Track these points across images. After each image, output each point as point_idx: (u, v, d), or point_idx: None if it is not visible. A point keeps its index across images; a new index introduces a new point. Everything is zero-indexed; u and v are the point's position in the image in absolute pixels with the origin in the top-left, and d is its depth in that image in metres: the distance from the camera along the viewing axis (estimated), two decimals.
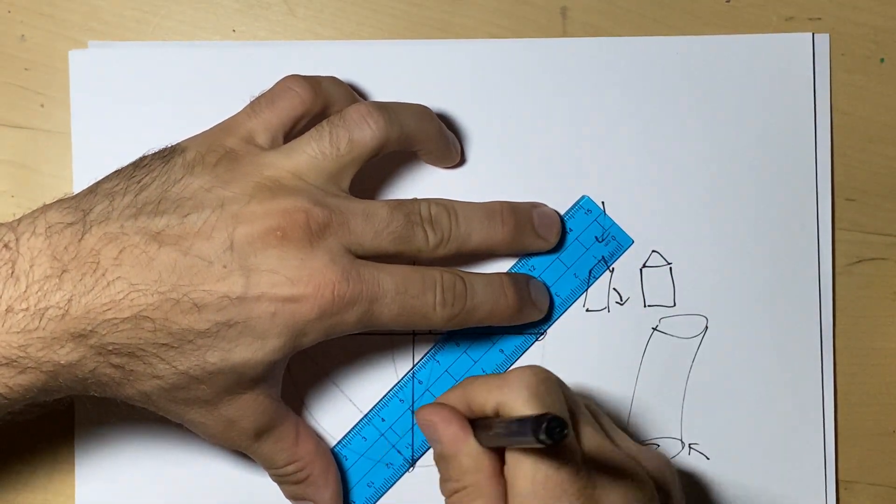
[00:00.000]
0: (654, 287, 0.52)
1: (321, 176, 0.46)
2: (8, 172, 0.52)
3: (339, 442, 0.51)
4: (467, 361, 0.51)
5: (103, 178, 0.45)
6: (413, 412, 0.51)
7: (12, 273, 0.41)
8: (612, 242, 0.51)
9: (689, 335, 0.51)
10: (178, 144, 0.46)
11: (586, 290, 0.51)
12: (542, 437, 0.37)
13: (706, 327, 0.52)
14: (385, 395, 0.51)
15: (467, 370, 0.51)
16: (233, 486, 0.51)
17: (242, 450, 0.47)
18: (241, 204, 0.43)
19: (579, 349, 0.51)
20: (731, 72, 0.52)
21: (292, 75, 0.48)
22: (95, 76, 0.51)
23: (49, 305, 0.41)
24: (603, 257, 0.51)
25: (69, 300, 0.41)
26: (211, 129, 0.47)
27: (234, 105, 0.47)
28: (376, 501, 0.51)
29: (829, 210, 0.52)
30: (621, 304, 0.51)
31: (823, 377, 0.52)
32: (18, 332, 0.41)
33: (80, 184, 0.51)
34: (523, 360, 0.51)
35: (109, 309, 0.41)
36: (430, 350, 0.51)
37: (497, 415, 0.43)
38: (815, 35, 0.52)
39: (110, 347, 0.42)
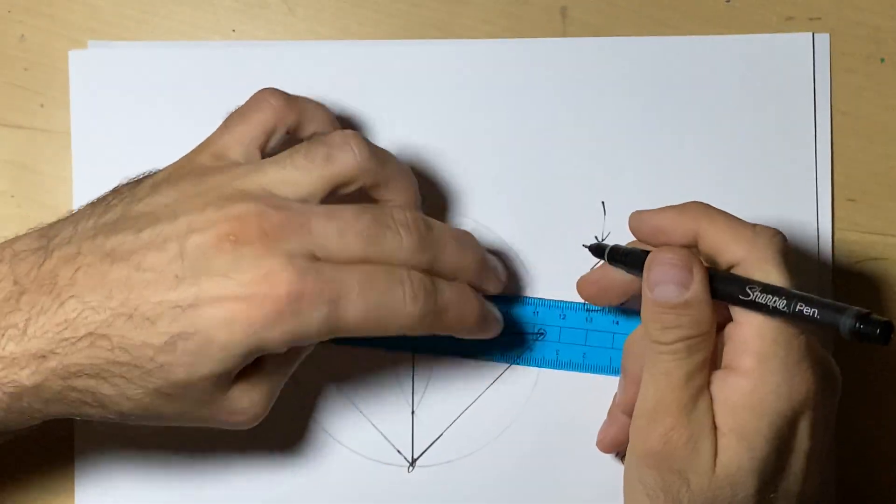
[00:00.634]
0: None
1: (291, 189, 0.44)
2: (8, 172, 0.52)
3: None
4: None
5: (80, 207, 0.45)
6: (413, 412, 0.51)
7: None
8: None
9: None
10: (154, 170, 0.45)
11: None
12: (868, 339, 0.37)
13: None
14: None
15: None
16: (232, 492, 0.51)
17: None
18: (196, 213, 0.42)
19: (580, 349, 0.51)
20: (731, 72, 0.52)
21: (266, 88, 0.46)
22: (95, 76, 0.51)
23: (9, 325, 0.41)
24: None
25: (27, 320, 0.41)
26: (188, 152, 0.46)
27: (233, 105, 0.47)
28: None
29: (829, 210, 0.52)
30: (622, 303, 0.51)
31: None
32: None
33: (79, 183, 0.51)
34: (522, 360, 0.51)
35: (65, 329, 0.41)
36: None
37: (730, 267, 0.43)
38: (815, 35, 0.52)
39: (73, 369, 0.41)
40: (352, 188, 0.45)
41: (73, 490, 0.52)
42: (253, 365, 0.43)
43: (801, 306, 0.40)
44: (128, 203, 0.44)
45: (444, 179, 0.52)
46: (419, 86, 0.52)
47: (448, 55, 0.52)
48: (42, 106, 0.53)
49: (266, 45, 0.52)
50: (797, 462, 0.43)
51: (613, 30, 0.53)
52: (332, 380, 0.52)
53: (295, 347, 0.43)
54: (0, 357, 0.41)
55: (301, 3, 0.53)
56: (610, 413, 0.50)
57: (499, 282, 0.49)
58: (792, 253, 0.43)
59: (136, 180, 0.45)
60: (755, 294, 0.41)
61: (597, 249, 0.48)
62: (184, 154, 0.46)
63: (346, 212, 0.43)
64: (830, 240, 0.52)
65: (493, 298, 0.49)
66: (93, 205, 0.44)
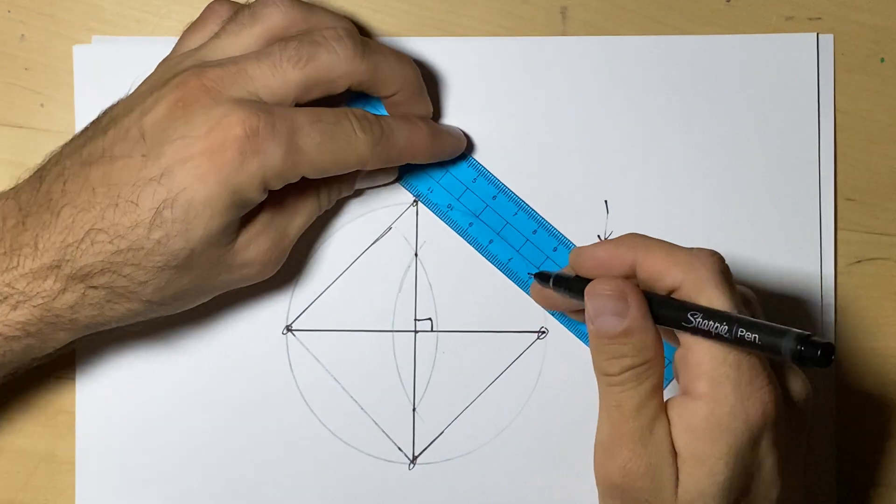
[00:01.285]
0: None
1: (222, 53, 0.46)
2: (8, 172, 0.52)
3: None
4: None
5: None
6: (414, 410, 0.51)
7: None
8: None
9: None
10: None
11: None
12: (808, 361, 0.37)
13: None
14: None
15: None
16: (233, 485, 0.51)
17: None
18: (146, 99, 0.45)
19: (581, 347, 0.51)
20: (734, 71, 0.52)
21: None
22: (99, 71, 0.52)
23: (22, 245, 0.44)
24: None
25: (36, 237, 0.44)
26: None
27: None
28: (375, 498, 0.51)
29: (831, 210, 0.52)
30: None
31: (825, 376, 0.52)
32: (2, 272, 0.44)
33: None
34: (523, 359, 0.51)
35: (67, 235, 0.44)
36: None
37: (670, 292, 0.42)
38: (819, 35, 0.52)
39: (86, 270, 0.44)
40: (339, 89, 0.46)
41: (73, 492, 0.52)
42: (252, 218, 0.46)
43: (741, 331, 0.39)
44: (99, 120, 0.46)
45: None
46: None
47: (448, 53, 0.52)
48: (42, 106, 0.53)
49: None
50: (764, 481, 0.42)
51: (613, 30, 0.53)
52: (334, 377, 0.52)
53: (289, 198, 0.47)
54: (22, 274, 0.44)
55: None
56: None
57: (430, 106, 0.50)
58: (730, 273, 0.42)
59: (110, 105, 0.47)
60: (697, 320, 0.40)
61: (542, 277, 0.48)
62: None
63: (274, 47, 0.45)
64: (833, 239, 0.52)
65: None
66: (76, 135, 0.47)
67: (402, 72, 0.47)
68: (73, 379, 0.52)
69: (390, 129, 0.47)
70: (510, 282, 0.52)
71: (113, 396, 0.51)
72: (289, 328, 0.52)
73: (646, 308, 0.42)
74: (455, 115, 0.52)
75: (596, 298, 0.43)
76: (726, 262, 0.43)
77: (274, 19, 0.46)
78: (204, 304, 0.48)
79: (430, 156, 0.49)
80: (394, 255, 0.52)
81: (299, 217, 0.48)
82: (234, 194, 0.43)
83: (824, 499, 0.52)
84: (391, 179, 0.51)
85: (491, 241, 0.51)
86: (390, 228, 0.52)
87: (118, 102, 0.47)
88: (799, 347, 0.37)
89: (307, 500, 0.51)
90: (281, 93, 0.45)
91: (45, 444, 0.52)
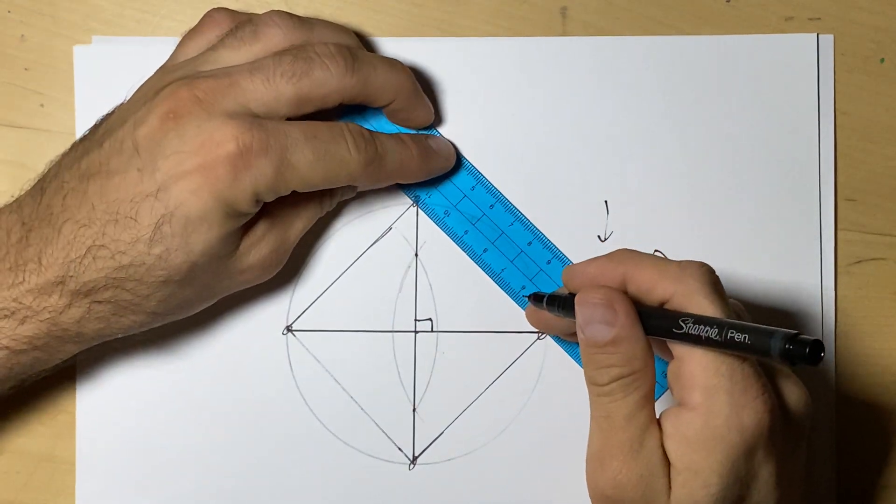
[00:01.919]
0: None
1: (216, 65, 0.46)
2: (8, 172, 0.52)
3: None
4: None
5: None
6: (414, 410, 0.51)
7: None
8: None
9: None
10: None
11: None
12: (798, 360, 0.36)
13: None
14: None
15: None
16: (233, 485, 0.51)
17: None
18: (139, 110, 0.45)
19: None
20: (733, 72, 0.52)
21: (274, 11, 0.47)
22: (99, 71, 0.52)
23: (27, 260, 0.44)
24: None
25: (39, 253, 0.44)
26: None
27: None
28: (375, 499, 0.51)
29: (831, 210, 0.52)
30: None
31: (825, 376, 0.52)
32: (9, 287, 0.44)
33: None
34: (523, 359, 0.51)
35: (70, 251, 0.44)
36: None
37: (661, 304, 0.42)
38: (820, 36, 0.52)
39: (90, 285, 0.44)
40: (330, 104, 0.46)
41: (73, 492, 0.52)
42: (252, 226, 0.46)
43: (732, 333, 0.39)
44: (95, 129, 0.46)
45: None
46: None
47: (448, 53, 0.52)
48: (42, 106, 0.53)
49: None
50: (760, 491, 0.42)
51: (613, 30, 0.53)
52: (334, 377, 0.52)
53: (288, 204, 0.47)
54: (28, 290, 0.44)
55: (301, 3, 0.53)
56: None
57: (431, 110, 0.50)
58: (720, 284, 0.42)
59: (106, 114, 0.47)
60: (688, 326, 0.40)
61: (537, 298, 0.48)
62: None
63: (267, 60, 0.45)
64: (833, 239, 0.52)
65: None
66: (74, 144, 0.47)
67: (396, 81, 0.47)
68: (74, 379, 0.52)
69: (384, 150, 0.47)
70: None
71: (113, 396, 0.51)
72: (289, 328, 0.52)
73: (635, 317, 0.42)
74: (455, 116, 0.52)
75: (585, 307, 0.43)
76: (717, 273, 0.43)
77: (276, 40, 0.46)
78: None
79: (417, 178, 0.50)
80: (394, 256, 0.52)
81: (299, 222, 0.48)
82: (228, 207, 0.44)
83: (824, 499, 0.52)
84: (390, 183, 0.51)
85: (485, 250, 0.51)
86: (390, 228, 0.52)
87: (114, 111, 0.47)
88: (787, 346, 0.37)
89: (307, 501, 0.51)
90: (274, 107, 0.45)
91: (45, 445, 0.52)
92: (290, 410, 0.51)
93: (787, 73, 0.52)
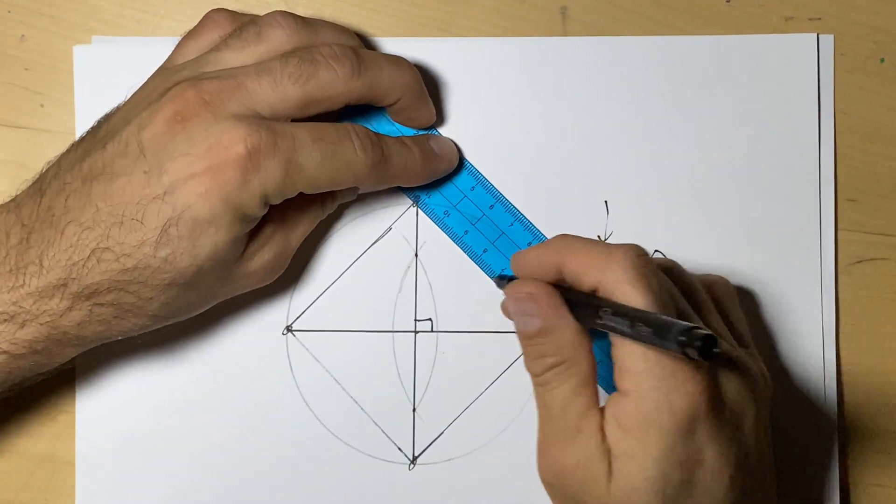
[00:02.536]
0: None
1: (223, 67, 0.46)
2: (8, 172, 0.52)
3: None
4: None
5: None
6: (414, 410, 0.51)
7: None
8: None
9: None
10: None
11: None
12: (690, 351, 0.36)
13: None
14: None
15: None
16: (233, 485, 0.51)
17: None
18: (143, 112, 0.44)
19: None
20: (733, 72, 0.52)
21: (278, 12, 0.47)
22: (99, 71, 0.51)
23: (27, 263, 0.44)
24: None
25: (41, 255, 0.44)
26: None
27: None
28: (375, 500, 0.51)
29: (831, 210, 0.52)
30: None
31: (826, 377, 0.52)
32: (9, 290, 0.44)
33: None
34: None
35: (73, 253, 0.43)
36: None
37: (594, 292, 0.42)
38: (820, 36, 0.52)
39: (92, 288, 0.44)
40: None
41: (73, 493, 0.52)
42: (257, 231, 0.46)
43: (639, 326, 0.39)
44: (96, 130, 0.46)
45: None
46: None
47: (448, 53, 0.52)
48: (42, 106, 0.53)
49: None
50: (705, 472, 0.41)
51: (613, 30, 0.53)
52: (334, 377, 0.52)
53: (292, 208, 0.47)
54: (29, 293, 0.44)
55: (301, 3, 0.53)
56: None
57: (434, 109, 0.50)
58: (650, 266, 0.42)
59: (106, 114, 0.47)
60: (606, 318, 0.41)
61: (498, 281, 0.49)
62: None
63: (274, 62, 0.45)
64: (833, 239, 0.52)
65: None
66: (73, 144, 0.46)
67: (402, 80, 0.47)
68: (73, 379, 0.52)
69: (389, 152, 0.47)
70: None
71: (113, 397, 0.51)
72: (289, 329, 0.52)
73: (560, 307, 0.43)
74: (455, 116, 0.52)
75: (511, 300, 0.44)
76: (647, 254, 0.43)
77: (280, 42, 0.46)
78: None
79: (420, 181, 0.50)
80: (394, 256, 0.52)
81: (302, 225, 0.48)
82: (237, 210, 0.43)
83: (825, 499, 0.52)
84: (392, 185, 0.51)
85: (485, 251, 0.51)
86: (390, 229, 0.52)
87: (114, 112, 0.46)
88: (682, 339, 0.37)
89: (307, 501, 0.51)
90: (280, 109, 0.45)
91: (46, 445, 0.52)
92: (290, 411, 0.51)
93: (787, 73, 0.52)
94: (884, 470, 0.53)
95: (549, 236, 0.51)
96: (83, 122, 0.51)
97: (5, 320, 0.44)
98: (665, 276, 0.44)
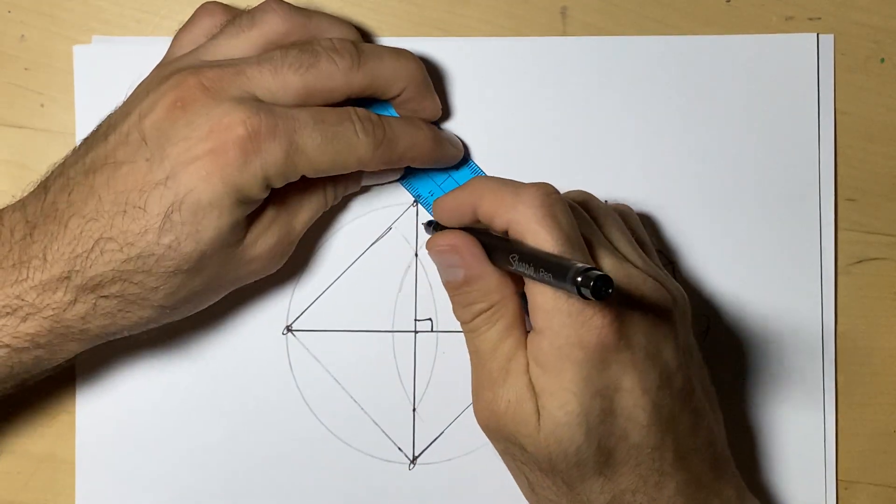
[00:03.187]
0: None
1: (222, 54, 0.46)
2: (8, 172, 0.52)
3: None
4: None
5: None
6: (414, 410, 0.51)
7: None
8: None
9: None
10: None
11: None
12: (585, 292, 0.37)
13: (708, 327, 0.52)
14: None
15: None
16: (233, 485, 0.51)
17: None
18: (143, 101, 0.45)
19: None
20: (733, 72, 0.52)
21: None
22: (99, 71, 0.52)
23: (31, 257, 0.44)
24: None
25: (44, 249, 0.44)
26: None
27: None
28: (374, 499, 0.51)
29: (831, 210, 0.52)
30: None
31: (825, 376, 0.52)
32: (12, 284, 0.44)
33: None
34: None
35: (76, 245, 0.43)
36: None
37: (507, 233, 0.43)
38: (820, 35, 0.52)
39: (96, 280, 0.44)
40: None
41: (73, 492, 0.52)
42: (259, 215, 0.46)
43: (541, 270, 0.40)
44: (98, 128, 0.46)
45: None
46: None
47: (448, 53, 0.52)
48: (42, 106, 0.53)
49: None
50: (625, 399, 0.42)
51: (613, 30, 0.53)
52: (334, 377, 0.52)
53: (294, 194, 0.47)
54: (32, 286, 0.44)
55: (301, 3, 0.53)
56: None
57: (439, 102, 0.50)
58: (561, 205, 0.42)
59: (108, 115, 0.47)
60: (516, 263, 0.42)
61: (426, 226, 0.50)
62: None
63: (275, 52, 0.45)
64: (833, 240, 0.52)
65: None
66: (75, 148, 0.47)
67: (405, 71, 0.47)
68: (74, 379, 0.52)
69: (393, 132, 0.47)
70: None
71: (113, 396, 0.52)
72: (289, 328, 0.52)
73: (481, 255, 0.44)
74: (455, 115, 0.52)
75: (435, 253, 0.46)
76: (557, 193, 0.43)
77: (273, 25, 0.46)
78: None
79: (431, 161, 0.49)
80: (394, 255, 0.52)
81: (304, 212, 0.48)
82: (238, 192, 0.43)
83: (825, 499, 0.52)
84: (398, 177, 0.51)
85: None
86: (390, 228, 0.52)
87: (115, 111, 0.46)
88: (578, 279, 0.37)
89: (307, 501, 0.51)
90: (280, 96, 0.45)
91: (46, 445, 0.52)
92: (289, 410, 0.51)
93: (787, 73, 0.52)
94: (880, 469, 0.53)
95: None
96: (83, 122, 0.51)
97: (7, 314, 0.44)
98: (581, 209, 0.45)
